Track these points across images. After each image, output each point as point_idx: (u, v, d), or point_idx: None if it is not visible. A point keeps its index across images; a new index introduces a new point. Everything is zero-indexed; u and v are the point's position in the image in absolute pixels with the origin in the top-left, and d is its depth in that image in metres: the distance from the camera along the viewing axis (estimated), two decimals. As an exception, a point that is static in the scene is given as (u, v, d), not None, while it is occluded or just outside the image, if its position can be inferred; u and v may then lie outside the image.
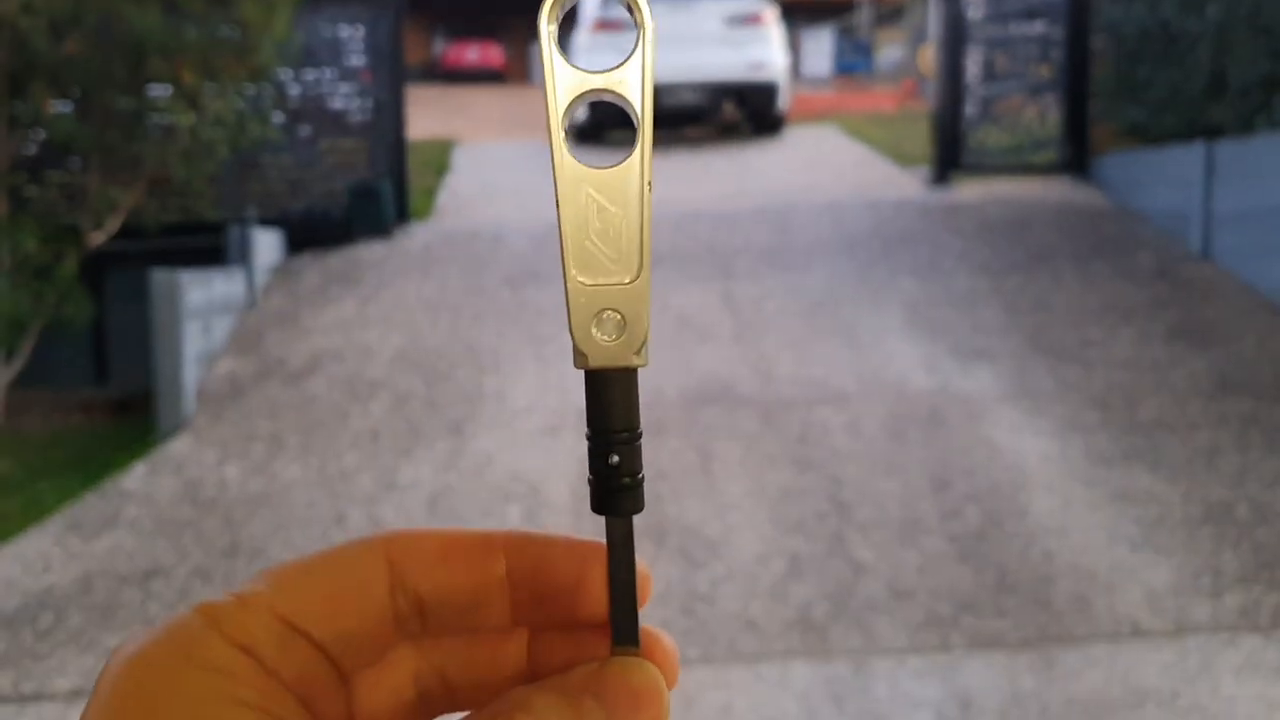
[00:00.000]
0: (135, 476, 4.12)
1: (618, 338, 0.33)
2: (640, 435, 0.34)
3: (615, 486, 0.34)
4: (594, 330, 0.33)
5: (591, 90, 0.33)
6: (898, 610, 3.05)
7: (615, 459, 0.33)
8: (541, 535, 0.36)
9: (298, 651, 0.32)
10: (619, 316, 0.33)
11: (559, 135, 0.33)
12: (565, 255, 0.33)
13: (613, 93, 0.33)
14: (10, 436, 4.92)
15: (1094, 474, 3.76)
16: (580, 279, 0.33)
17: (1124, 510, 3.52)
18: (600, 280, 0.33)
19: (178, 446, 4.36)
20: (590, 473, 0.34)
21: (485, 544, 0.35)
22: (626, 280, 0.33)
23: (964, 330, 5.01)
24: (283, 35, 5.48)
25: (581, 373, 0.33)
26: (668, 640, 0.35)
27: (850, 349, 4.87)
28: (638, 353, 0.33)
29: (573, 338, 0.33)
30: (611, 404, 0.34)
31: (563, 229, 0.33)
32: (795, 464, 3.91)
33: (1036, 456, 3.89)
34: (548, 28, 0.33)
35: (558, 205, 0.33)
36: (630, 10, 0.33)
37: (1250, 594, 3.04)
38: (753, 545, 3.40)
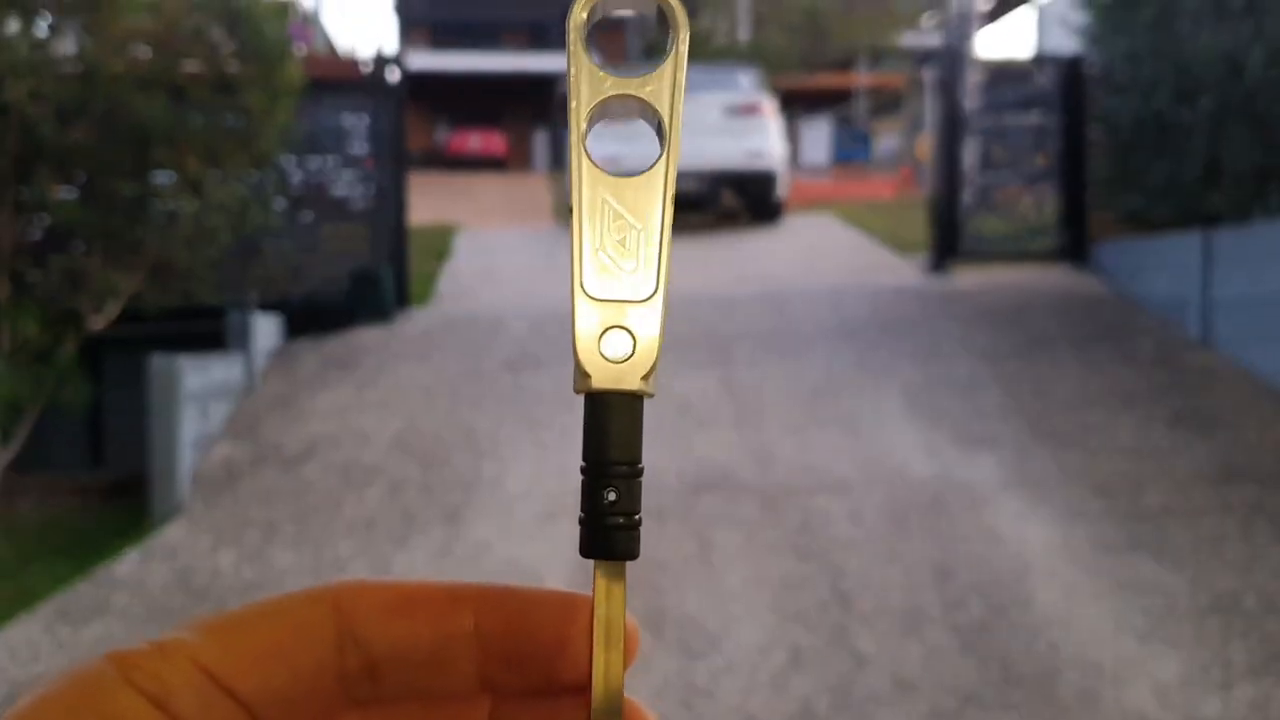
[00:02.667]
0: (128, 563, 4.08)
1: (625, 359, 0.31)
2: (641, 471, 0.31)
3: (609, 525, 0.30)
4: (600, 349, 0.31)
5: (618, 96, 0.32)
6: (901, 703, 2.99)
7: (612, 495, 0.30)
8: (516, 588, 0.32)
9: (220, 709, 0.28)
10: (629, 336, 0.31)
11: (580, 139, 0.31)
12: (575, 265, 0.31)
13: (640, 100, 0.32)
14: (3, 520, 4.88)
15: (1099, 563, 3.72)
16: (590, 292, 0.31)
17: (1130, 600, 3.47)
18: (612, 295, 0.31)
19: (172, 533, 4.32)
20: (582, 511, 0.31)
21: (450, 596, 0.32)
22: (640, 297, 0.31)
23: (965, 417, 5.00)
24: (286, 122, 5.55)
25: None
26: (650, 717, 0.31)
27: (850, 435, 4.85)
28: (645, 378, 0.31)
29: (575, 355, 0.30)
30: (611, 432, 0.30)
31: (575, 237, 0.31)
32: (796, 553, 3.87)
33: (1040, 545, 3.85)
34: (578, 29, 0.31)
35: (572, 211, 0.31)
36: (663, 14, 0.32)
37: (1260, 687, 2.99)
38: (753, 636, 3.35)
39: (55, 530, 4.87)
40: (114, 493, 5.35)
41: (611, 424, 0.30)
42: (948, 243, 7.68)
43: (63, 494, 5.38)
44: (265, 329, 5.97)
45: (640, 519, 0.31)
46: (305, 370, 5.87)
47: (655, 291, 0.31)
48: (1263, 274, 5.28)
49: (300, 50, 7.26)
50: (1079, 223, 7.45)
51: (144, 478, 4.74)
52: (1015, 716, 2.92)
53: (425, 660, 0.31)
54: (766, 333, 6.22)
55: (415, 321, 6.78)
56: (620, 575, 0.31)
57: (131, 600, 3.79)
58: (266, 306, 6.14)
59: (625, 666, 0.31)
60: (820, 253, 9.42)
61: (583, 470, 0.31)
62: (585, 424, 0.31)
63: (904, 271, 8.21)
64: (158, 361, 4.77)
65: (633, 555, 0.31)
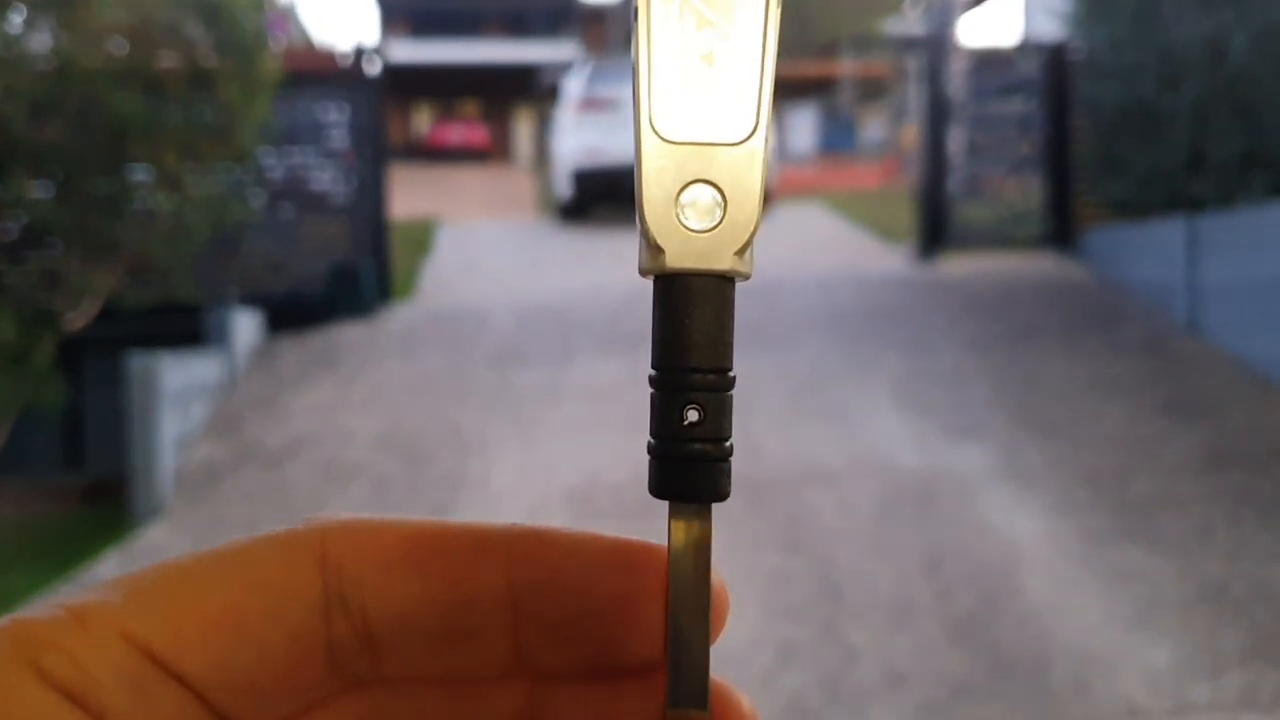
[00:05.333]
0: (108, 565, 4.03)
1: (713, 226, 0.23)
2: (733, 382, 0.24)
3: (690, 455, 0.24)
4: (677, 212, 0.23)
5: None
6: (892, 696, 2.97)
7: (694, 414, 0.23)
8: (562, 532, 0.25)
9: (163, 700, 0.21)
10: (718, 194, 0.23)
11: None
12: (641, 93, 0.23)
13: None
14: (-18, 524, 4.83)
15: (1088, 552, 3.70)
16: (663, 132, 0.23)
17: (1119, 589, 3.46)
18: (694, 136, 0.23)
19: (153, 534, 4.27)
20: (652, 436, 0.24)
21: (477, 543, 0.24)
22: (734, 139, 0.23)
23: (953, 407, 4.98)
24: (264, 116, 5.48)
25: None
26: (746, 703, 0.25)
27: (838, 427, 4.83)
28: (740, 253, 0.23)
29: (642, 222, 0.23)
30: (693, 328, 0.23)
31: (642, 51, 0.23)
32: (784, 546, 3.84)
33: (1029, 535, 3.83)
34: None
35: (636, 14, 0.23)
36: None
37: (1250, 673, 2.98)
38: (742, 631, 3.32)
39: (35, 533, 4.82)
40: (94, 494, 5.30)
41: (693, 317, 0.23)
42: (934, 231, 7.67)
43: (42, 496, 5.33)
44: (245, 325, 5.91)
45: (732, 446, 0.24)
46: (287, 367, 5.82)
47: (755, 129, 0.23)
48: (1247, 260, 5.27)
49: (278, 43, 7.20)
50: (1064, 210, 7.44)
51: (124, 478, 4.69)
52: (1006, 706, 2.90)
53: (440, 629, 0.24)
54: (752, 324, 6.19)
55: (398, 317, 6.73)
56: (704, 521, 0.25)
57: (113, 602, 3.75)
58: (246, 302, 6.08)
59: (712, 639, 0.25)
60: (806, 242, 9.39)
61: (652, 381, 0.24)
62: (656, 317, 0.23)
63: (891, 260, 8.19)
64: (136, 360, 4.71)
65: (721, 495, 0.24)
